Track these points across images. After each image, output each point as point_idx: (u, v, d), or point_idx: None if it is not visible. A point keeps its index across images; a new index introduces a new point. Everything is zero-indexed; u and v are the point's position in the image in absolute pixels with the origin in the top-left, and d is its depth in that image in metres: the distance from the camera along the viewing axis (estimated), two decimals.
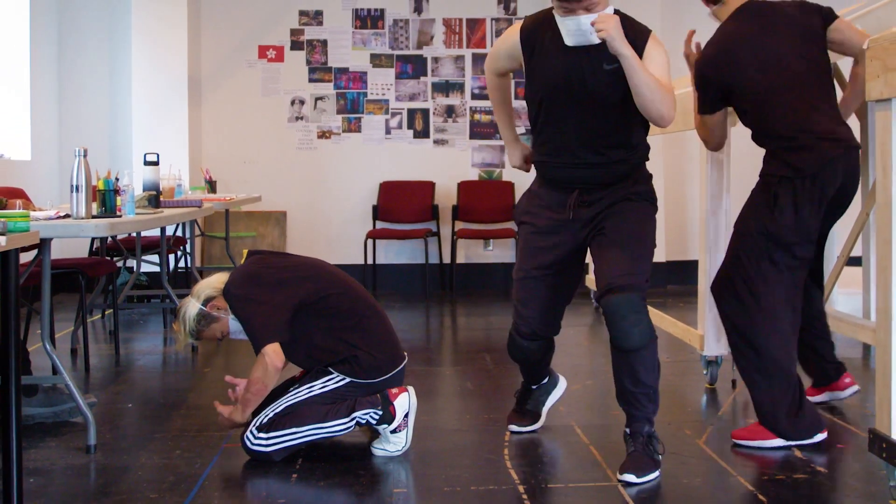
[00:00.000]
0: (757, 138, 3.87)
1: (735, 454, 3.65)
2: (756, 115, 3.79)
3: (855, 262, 5.89)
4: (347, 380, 3.67)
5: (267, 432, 3.57)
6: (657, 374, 3.43)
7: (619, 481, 3.33)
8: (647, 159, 3.65)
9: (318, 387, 3.68)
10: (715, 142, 4.02)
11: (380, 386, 3.71)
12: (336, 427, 3.61)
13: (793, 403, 3.70)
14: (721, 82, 3.80)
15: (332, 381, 3.69)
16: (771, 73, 3.74)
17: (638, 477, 3.33)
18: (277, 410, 3.61)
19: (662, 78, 3.38)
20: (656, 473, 3.36)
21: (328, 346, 3.69)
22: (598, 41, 3.24)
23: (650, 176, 3.64)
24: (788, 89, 3.71)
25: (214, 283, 3.82)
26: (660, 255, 8.87)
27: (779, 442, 3.72)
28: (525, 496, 3.21)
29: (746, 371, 3.75)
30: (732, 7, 3.90)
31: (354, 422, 3.62)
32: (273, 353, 3.58)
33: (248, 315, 3.66)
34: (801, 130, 3.65)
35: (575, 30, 3.31)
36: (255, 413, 3.67)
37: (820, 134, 3.63)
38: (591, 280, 7.57)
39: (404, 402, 3.64)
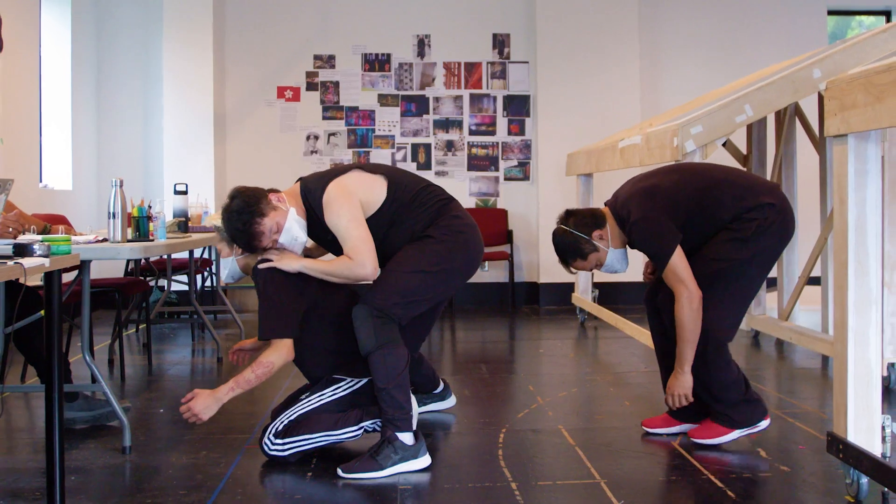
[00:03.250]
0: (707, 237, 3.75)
1: (706, 454, 3.65)
2: (701, 218, 3.70)
3: (814, 281, 5.92)
4: (361, 383, 3.67)
5: (283, 438, 3.57)
6: (390, 379, 3.42)
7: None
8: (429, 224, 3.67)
9: (328, 394, 3.68)
10: (692, 284, 3.62)
11: None
12: (345, 434, 3.62)
13: (743, 391, 3.75)
14: (666, 213, 3.69)
15: (341, 389, 3.69)
16: (694, 176, 3.80)
17: (345, 472, 3.39)
18: (291, 418, 3.62)
19: (343, 234, 3.53)
20: (371, 474, 3.38)
21: (328, 348, 3.67)
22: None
23: (444, 225, 3.63)
24: (718, 182, 3.74)
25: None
26: (638, 275, 8.87)
27: (734, 434, 3.74)
28: (517, 493, 3.21)
29: (707, 366, 3.72)
30: (610, 219, 3.87)
31: (362, 430, 3.64)
32: (289, 346, 3.52)
33: (266, 301, 3.54)
34: (750, 207, 3.67)
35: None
36: (273, 416, 3.67)
37: (765, 200, 3.68)
38: (577, 298, 7.59)
39: None
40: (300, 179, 3.70)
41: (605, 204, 3.95)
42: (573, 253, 3.88)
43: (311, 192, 3.61)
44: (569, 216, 3.91)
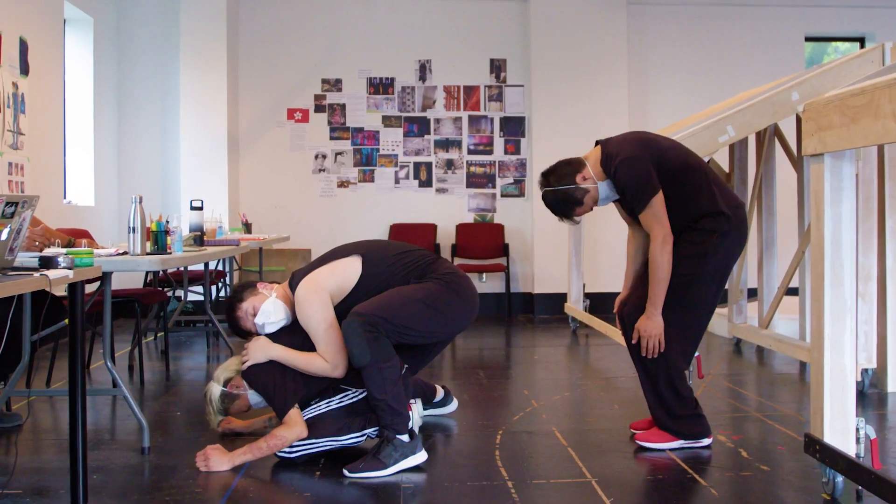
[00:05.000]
0: (677, 222, 3.67)
1: (692, 455, 3.66)
2: (679, 193, 3.66)
3: (793, 292, 5.92)
4: (365, 393, 3.67)
5: None
6: (386, 391, 3.40)
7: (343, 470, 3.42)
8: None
9: (335, 402, 3.68)
10: (668, 226, 3.61)
11: None
12: (349, 440, 3.62)
13: (693, 408, 3.75)
14: (655, 164, 3.62)
15: (347, 398, 3.69)
16: (687, 152, 3.77)
17: (351, 472, 3.39)
18: None
19: (313, 334, 3.60)
20: (376, 473, 3.38)
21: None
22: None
23: (440, 276, 3.63)
24: (702, 169, 3.71)
25: (231, 366, 3.81)
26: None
27: (678, 443, 3.73)
28: (513, 490, 3.22)
29: (668, 385, 3.71)
30: (592, 157, 3.75)
31: (365, 437, 3.64)
32: (302, 424, 3.56)
33: (266, 391, 3.64)
34: (715, 212, 3.65)
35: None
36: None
37: (731, 205, 3.68)
38: (569, 307, 7.59)
39: (412, 414, 3.65)
40: (293, 273, 3.80)
41: (598, 141, 3.81)
42: (570, 204, 3.72)
43: (292, 287, 3.72)
44: (548, 176, 3.75)
